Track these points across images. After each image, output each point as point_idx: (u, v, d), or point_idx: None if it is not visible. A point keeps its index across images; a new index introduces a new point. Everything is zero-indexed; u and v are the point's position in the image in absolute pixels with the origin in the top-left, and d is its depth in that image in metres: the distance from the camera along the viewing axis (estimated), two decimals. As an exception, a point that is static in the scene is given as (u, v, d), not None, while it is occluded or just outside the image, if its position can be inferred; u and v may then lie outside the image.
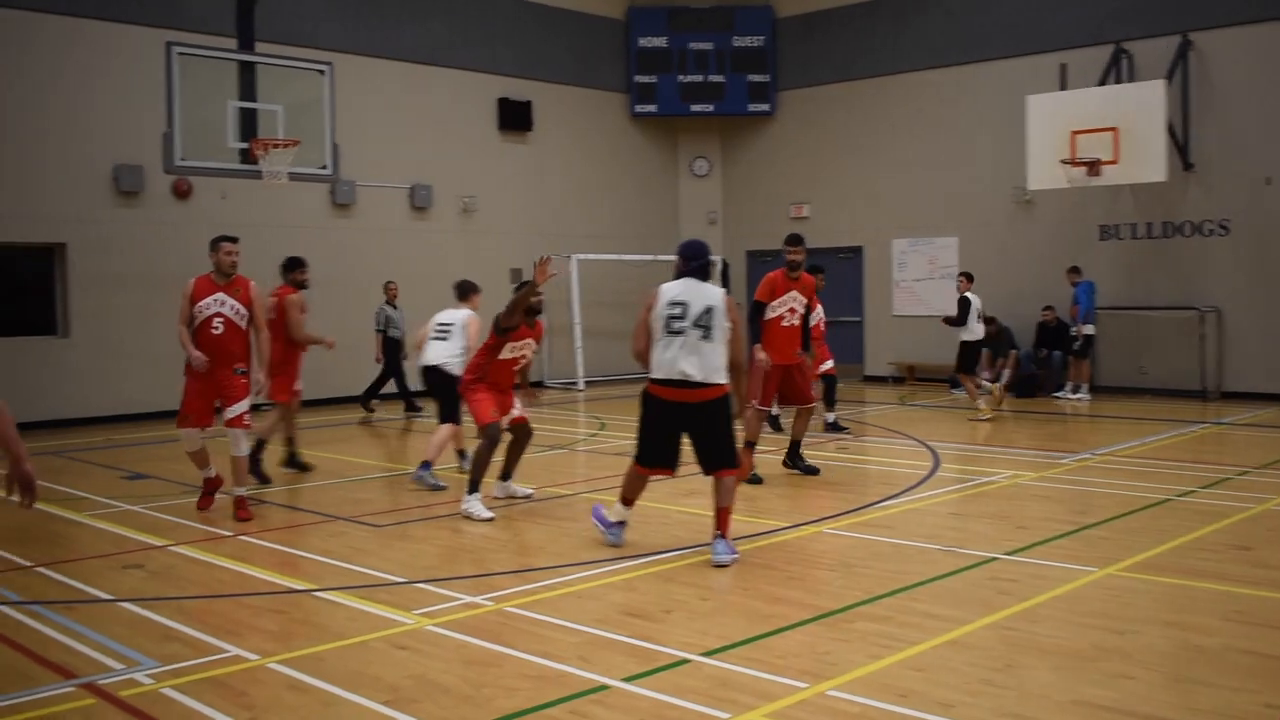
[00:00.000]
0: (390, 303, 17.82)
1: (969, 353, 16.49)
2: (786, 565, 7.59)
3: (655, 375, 7.64)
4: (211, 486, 9.89)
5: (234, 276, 9.69)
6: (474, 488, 9.38)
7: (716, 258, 23.47)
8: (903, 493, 10.32)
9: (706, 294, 7.67)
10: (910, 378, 21.81)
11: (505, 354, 9.58)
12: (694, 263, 7.81)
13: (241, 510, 9.54)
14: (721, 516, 7.69)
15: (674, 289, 7.72)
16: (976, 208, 20.97)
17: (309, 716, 5.02)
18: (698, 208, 24.82)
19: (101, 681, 5.49)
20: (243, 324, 9.68)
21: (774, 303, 11.07)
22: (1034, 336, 19.68)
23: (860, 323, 22.83)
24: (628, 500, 8.07)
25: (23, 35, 16.31)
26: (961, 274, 16.98)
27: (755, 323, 10.94)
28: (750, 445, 10.68)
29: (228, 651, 5.92)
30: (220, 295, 9.59)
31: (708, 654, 5.75)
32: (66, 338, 16.91)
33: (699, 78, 23.82)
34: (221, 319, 9.56)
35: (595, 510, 8.32)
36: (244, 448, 9.75)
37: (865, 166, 22.57)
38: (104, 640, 6.14)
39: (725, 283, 23.32)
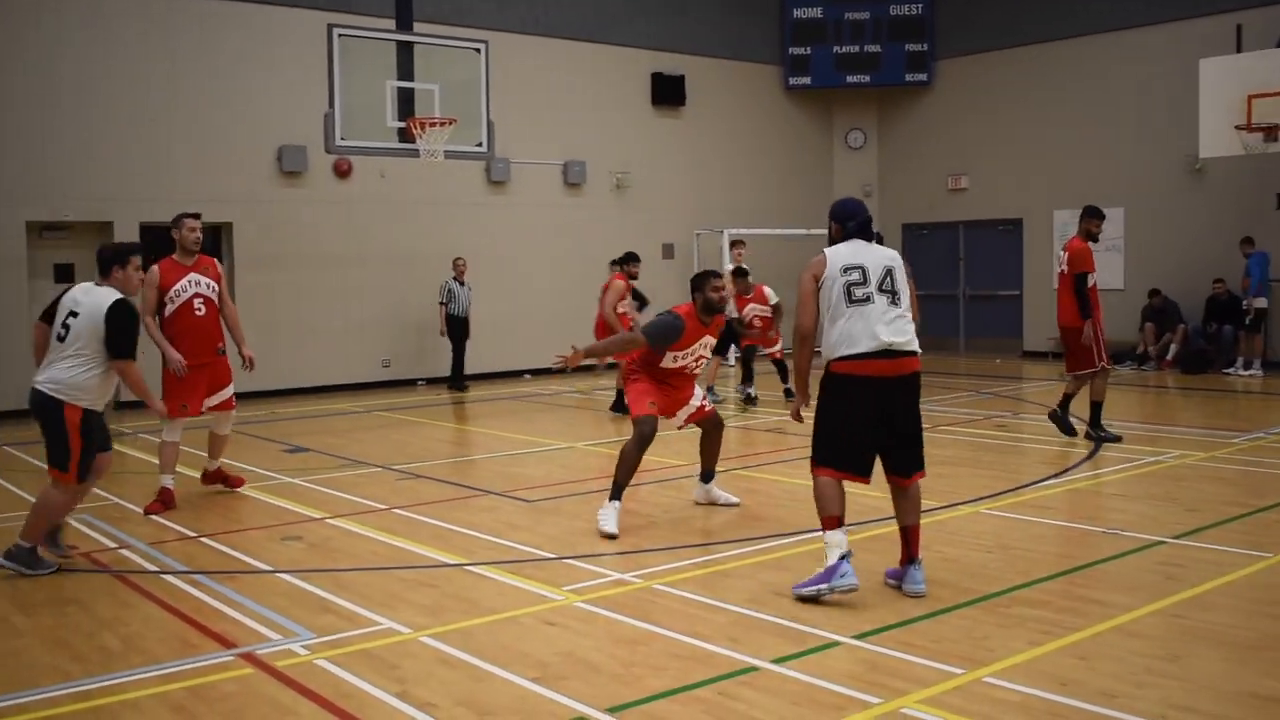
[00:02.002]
0: (458, 279, 17.80)
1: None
2: (942, 546, 7.38)
3: (843, 352, 6.27)
4: (167, 497, 9.26)
5: (198, 255, 9.49)
6: (616, 493, 8.07)
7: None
8: (1063, 472, 9.98)
9: (881, 254, 6.53)
10: (1073, 353, 21.11)
11: (670, 363, 8.29)
12: (852, 222, 6.63)
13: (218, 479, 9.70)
14: (914, 535, 6.48)
15: (843, 252, 6.47)
16: (1144, 177, 20.15)
17: (459, 690, 5.04)
18: (853, 180, 24.39)
19: (260, 651, 5.62)
20: (216, 301, 9.47)
21: None
22: (1203, 310, 18.87)
23: (1020, 296, 22.19)
24: (835, 520, 6.31)
25: (193, 21, 16.84)
26: None
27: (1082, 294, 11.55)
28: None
29: (381, 624, 6.00)
30: (194, 275, 9.34)
31: (860, 636, 5.61)
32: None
33: (855, 48, 23.38)
34: (201, 299, 9.33)
35: (797, 588, 6.35)
36: (228, 428, 9.74)
37: (1026, 136, 21.87)
38: (263, 610, 6.29)
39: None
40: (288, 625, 6.02)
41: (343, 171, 18.04)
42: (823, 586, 6.17)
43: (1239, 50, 18.02)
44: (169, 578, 7.09)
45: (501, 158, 18.85)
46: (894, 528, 6.57)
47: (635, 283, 14.30)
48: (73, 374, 7.10)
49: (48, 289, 16.09)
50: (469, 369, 18.21)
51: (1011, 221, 22.18)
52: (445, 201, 18.76)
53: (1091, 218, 11.86)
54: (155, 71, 16.58)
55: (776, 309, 15.00)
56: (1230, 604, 6.04)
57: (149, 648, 5.76)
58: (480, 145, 15.33)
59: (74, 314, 7.17)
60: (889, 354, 6.25)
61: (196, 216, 9.64)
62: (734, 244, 17.03)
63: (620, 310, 13.87)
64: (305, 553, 7.68)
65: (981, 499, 8.82)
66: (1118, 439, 11.47)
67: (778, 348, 14.88)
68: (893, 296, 6.41)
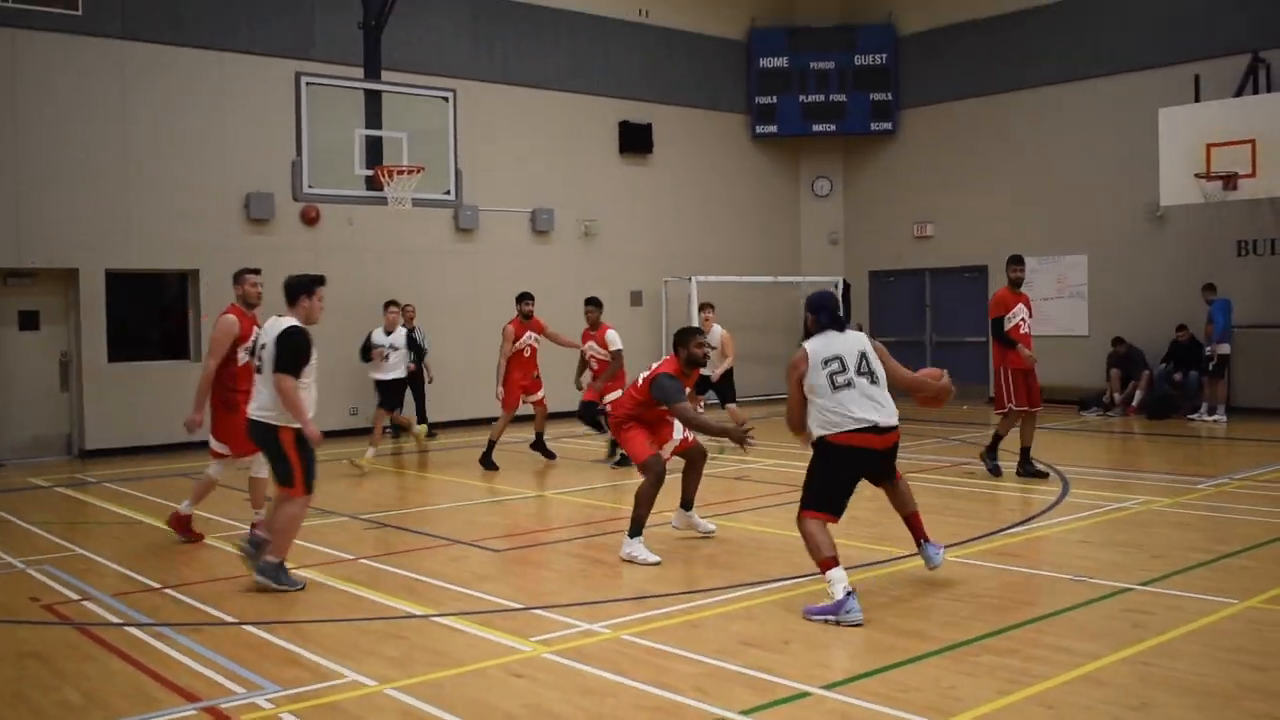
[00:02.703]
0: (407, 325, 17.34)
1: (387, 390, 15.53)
2: (911, 595, 7.40)
3: (841, 428, 7.06)
4: (191, 528, 9.83)
5: (258, 308, 9.85)
6: (637, 530, 8.60)
7: (838, 278, 23.24)
8: (1031, 519, 10.03)
9: (853, 341, 7.40)
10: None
11: (658, 408, 8.85)
12: (824, 314, 7.46)
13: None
14: (916, 521, 7.74)
15: (819, 346, 7.27)
16: (1106, 225, 20.41)
17: (425, 745, 5.00)
18: (820, 228, 24.61)
19: (223, 705, 5.56)
20: None
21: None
22: (1166, 356, 19.06)
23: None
24: (833, 560, 6.91)
25: (160, 68, 16.84)
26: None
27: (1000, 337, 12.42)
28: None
29: (347, 677, 5.95)
30: (256, 329, 9.42)
31: (829, 686, 5.61)
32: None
33: (820, 97, 23.64)
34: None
35: (808, 611, 6.91)
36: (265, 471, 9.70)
37: (990, 184, 22.13)
38: (227, 663, 6.22)
39: (846, 303, 23.05)
40: (252, 678, 5.95)
41: (310, 219, 18.03)
42: (830, 617, 6.72)
43: (1197, 100, 18.34)
44: (132, 630, 7.01)
45: (469, 205, 18.90)
46: (857, 577, 6.57)
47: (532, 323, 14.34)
48: (269, 400, 7.87)
49: (11, 336, 16.00)
50: (434, 415, 18.15)
51: (977, 268, 22.38)
52: (413, 249, 18.79)
53: (1010, 264, 12.75)
54: (122, 117, 16.55)
55: (616, 356, 13.85)
56: (1197, 651, 6.07)
57: (111, 702, 5.69)
58: (448, 193, 15.35)
59: (263, 345, 8.00)
60: (875, 430, 7.18)
61: (257, 272, 10.02)
62: (703, 307, 16.38)
63: (594, 354, 13.96)
64: (270, 603, 7.61)
65: (951, 545, 8.83)
66: (998, 473, 12.37)
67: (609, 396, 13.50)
68: (871, 377, 7.33)
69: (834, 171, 24.68)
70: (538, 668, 6.06)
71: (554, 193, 20.87)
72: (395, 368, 15.56)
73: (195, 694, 5.73)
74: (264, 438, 7.97)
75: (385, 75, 15.71)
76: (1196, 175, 16.95)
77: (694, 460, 9.23)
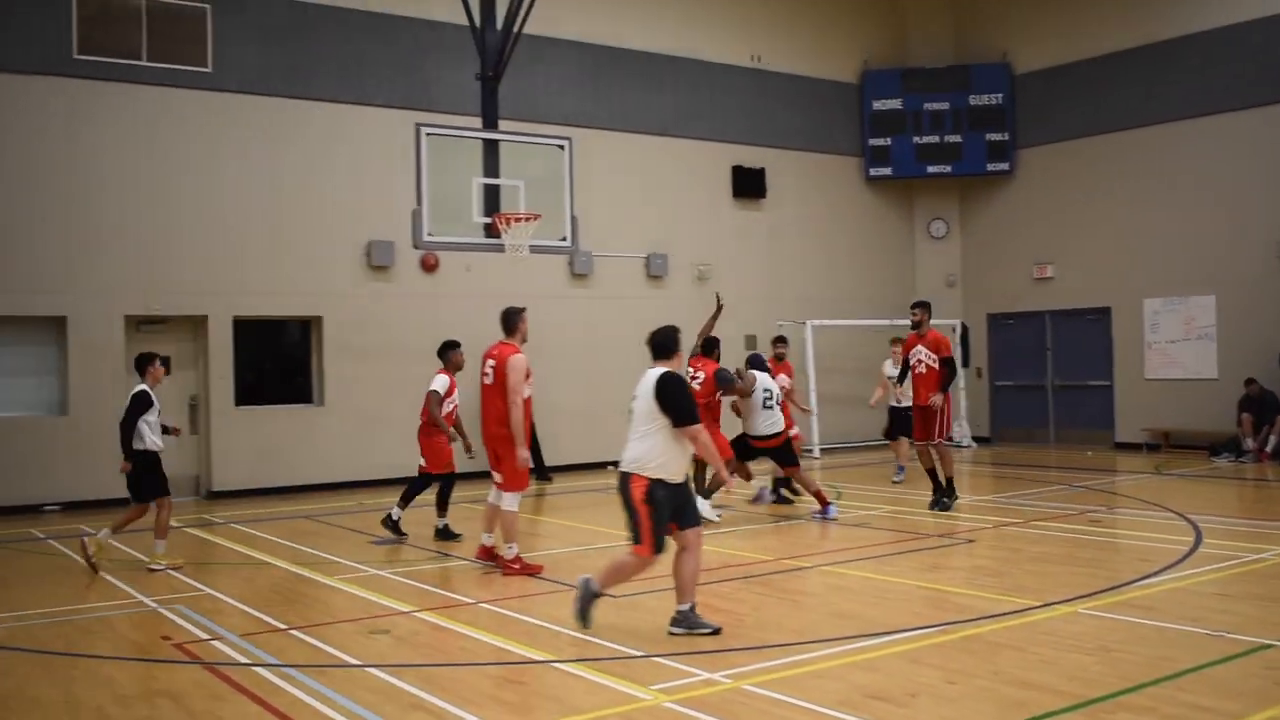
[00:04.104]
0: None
1: None
2: (1038, 648, 7.20)
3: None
4: (519, 562, 10.28)
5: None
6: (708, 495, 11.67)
7: (955, 321, 22.94)
8: (1163, 570, 9.71)
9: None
10: (1166, 445, 20.64)
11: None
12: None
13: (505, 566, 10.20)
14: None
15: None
16: (1235, 263, 19.83)
17: (548, 793, 4.99)
18: (936, 270, 24.33)
19: (350, 748, 5.61)
20: None
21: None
22: (1303, 400, 18.44)
23: (1110, 387, 21.82)
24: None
25: (287, 121, 17.35)
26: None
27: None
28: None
29: (470, 722, 5.98)
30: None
31: (956, 742, 5.48)
32: (321, 405, 17.73)
33: (935, 138, 23.45)
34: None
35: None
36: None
37: (1113, 224, 21.67)
38: (352, 706, 6.29)
39: (965, 346, 22.74)
40: (377, 722, 6.02)
41: (429, 266, 18.35)
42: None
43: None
44: (260, 670, 7.13)
45: (585, 251, 19.06)
46: (984, 628, 6.42)
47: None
48: (634, 452, 7.68)
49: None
50: (549, 460, 18.27)
51: (1099, 310, 21.90)
52: (529, 294, 18.82)
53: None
54: (249, 169, 17.08)
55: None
56: (1345, 711, 5.82)
57: (241, 743, 5.79)
58: (564, 239, 15.50)
59: (635, 398, 7.78)
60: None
61: (524, 310, 10.69)
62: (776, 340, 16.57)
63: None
64: (394, 647, 7.70)
65: (1079, 598, 8.60)
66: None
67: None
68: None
69: (950, 213, 24.41)
70: (658, 716, 6.02)
71: (668, 237, 20.97)
72: None
73: (322, 737, 5.80)
74: (622, 490, 7.75)
75: (502, 124, 15.99)
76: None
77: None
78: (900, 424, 16.34)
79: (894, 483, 16.47)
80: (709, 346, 13.52)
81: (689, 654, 7.27)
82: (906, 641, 7.42)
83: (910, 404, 14.40)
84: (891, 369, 16.85)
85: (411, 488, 12.50)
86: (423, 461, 12.42)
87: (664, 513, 7.57)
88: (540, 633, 8.00)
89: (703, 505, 12.80)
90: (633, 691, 6.46)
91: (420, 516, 12.82)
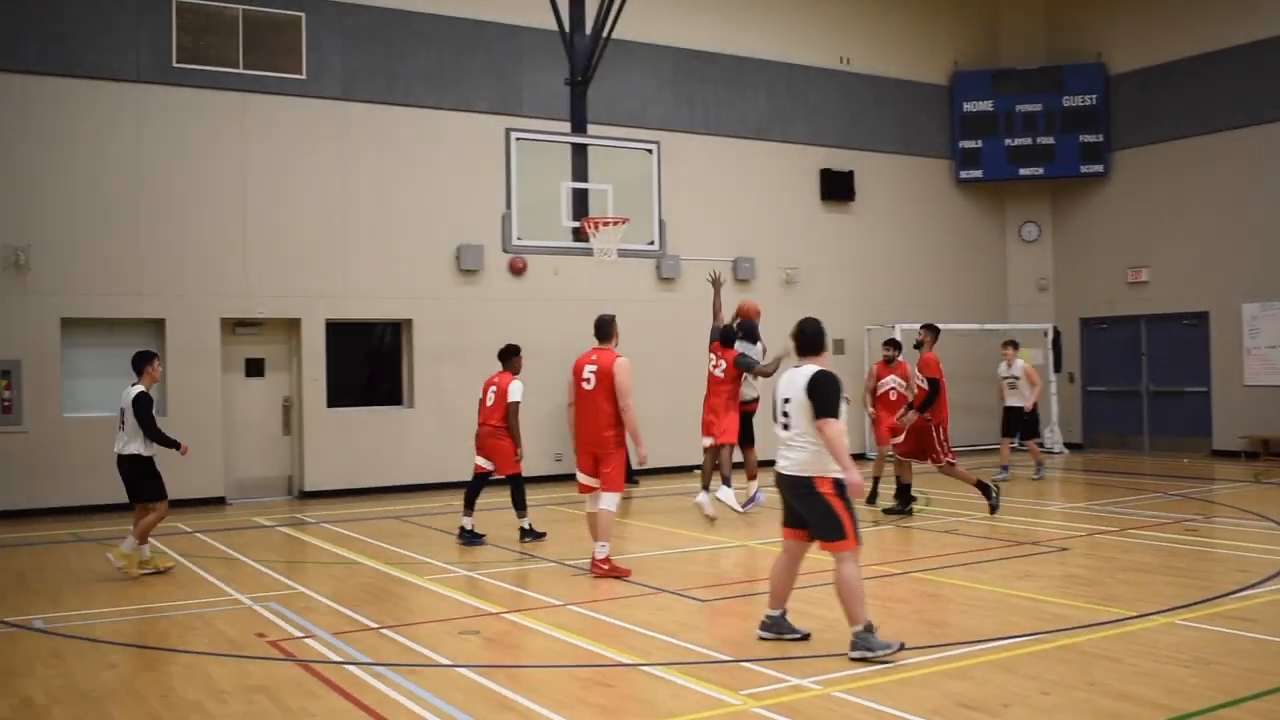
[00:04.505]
0: None
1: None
2: (1134, 659, 7.06)
3: None
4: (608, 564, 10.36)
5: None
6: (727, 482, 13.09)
7: (1047, 325, 22.61)
8: (1263, 581, 9.46)
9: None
10: (1265, 453, 20.11)
11: None
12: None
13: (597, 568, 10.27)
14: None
15: None
16: (1340, 269, 19.29)
17: (638, 796, 5.00)
18: (1027, 274, 23.99)
19: (441, 747, 5.67)
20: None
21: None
22: None
23: (1207, 393, 21.32)
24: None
25: (379, 126, 17.60)
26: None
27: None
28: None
29: (559, 723, 6.01)
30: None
31: (1051, 753, 5.39)
32: (411, 408, 17.94)
33: (1027, 140, 23.11)
34: None
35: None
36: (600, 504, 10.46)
37: (1210, 226, 21.17)
38: (444, 706, 6.35)
39: (1057, 352, 22.41)
40: (468, 722, 6.07)
41: (518, 270, 18.49)
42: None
43: None
44: (352, 669, 7.23)
45: (672, 255, 19.07)
46: (1078, 638, 6.29)
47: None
48: (804, 454, 7.39)
49: (239, 382, 16.85)
50: (635, 463, 18.26)
51: (1196, 315, 21.43)
52: (616, 298, 18.96)
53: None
54: (342, 174, 17.34)
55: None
56: None
57: (335, 740, 5.87)
58: (652, 243, 15.53)
59: (787, 400, 7.51)
60: None
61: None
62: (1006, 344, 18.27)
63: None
64: (483, 647, 7.76)
65: (1175, 609, 8.42)
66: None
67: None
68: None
69: (1042, 216, 24.04)
70: (748, 721, 6.00)
71: (755, 241, 20.91)
72: None
73: (414, 735, 5.86)
74: (801, 494, 7.44)
75: (591, 129, 16.06)
76: None
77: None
78: (1010, 423, 17.68)
79: (994, 481, 16.50)
80: (728, 338, 14.06)
81: (778, 659, 7.23)
82: (999, 650, 7.32)
83: (1013, 404, 17.43)
84: (1005, 370, 17.18)
85: (472, 491, 12.58)
86: (484, 463, 12.47)
87: (852, 504, 7.37)
88: (627, 635, 8.02)
89: (726, 494, 13.62)
90: (721, 696, 6.45)
91: (496, 519, 12.90)
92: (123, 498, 15.52)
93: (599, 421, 10.28)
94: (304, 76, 17.13)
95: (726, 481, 13.67)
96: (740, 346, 14.02)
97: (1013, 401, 17.66)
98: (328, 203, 17.26)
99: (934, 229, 23.19)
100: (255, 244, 16.74)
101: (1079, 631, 7.65)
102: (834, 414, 7.30)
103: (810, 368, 7.52)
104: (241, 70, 16.70)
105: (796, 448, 7.41)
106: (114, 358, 16.16)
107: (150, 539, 10.97)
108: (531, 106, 18.46)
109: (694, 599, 9.26)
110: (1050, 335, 22.53)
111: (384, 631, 8.27)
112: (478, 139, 17.78)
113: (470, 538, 12.24)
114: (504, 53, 18.63)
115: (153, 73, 16.18)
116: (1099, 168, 22.82)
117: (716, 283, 15.07)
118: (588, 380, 10.39)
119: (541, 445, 18.18)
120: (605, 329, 10.64)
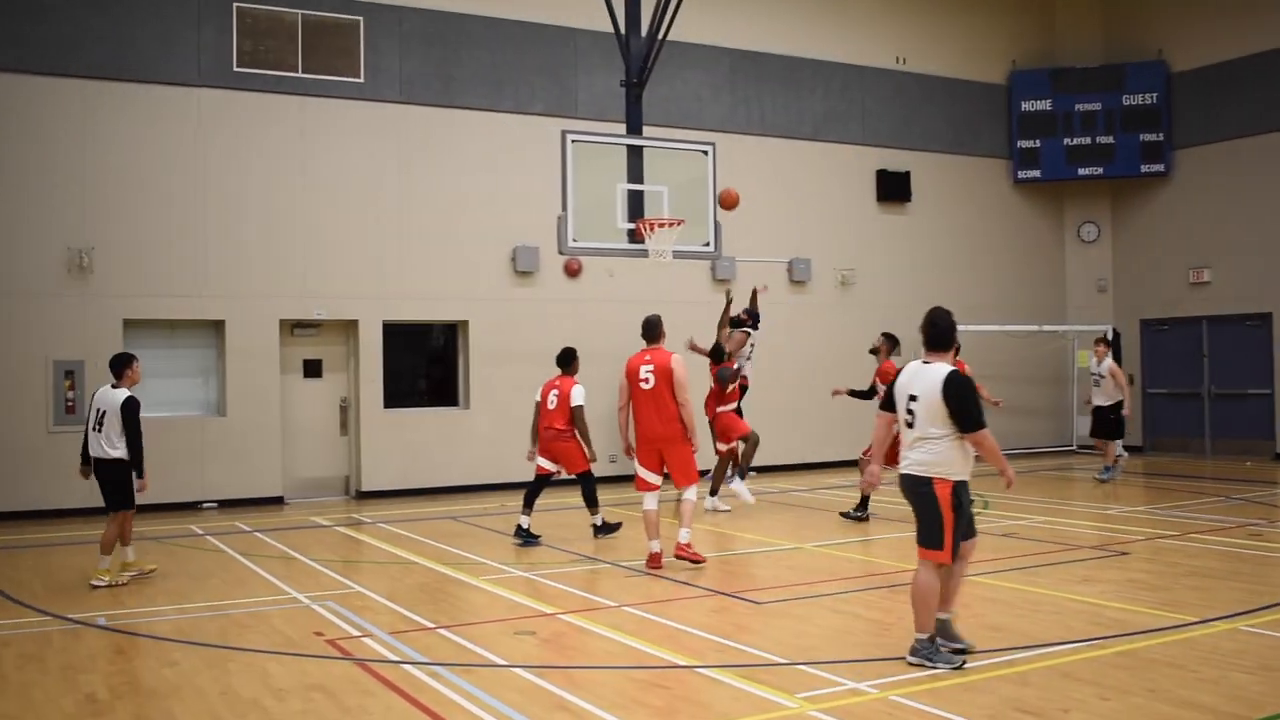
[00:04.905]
0: None
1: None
2: (1198, 665, 6.95)
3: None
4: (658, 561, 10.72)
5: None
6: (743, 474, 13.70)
7: (1106, 327, 22.34)
8: (1332, 588, 9.30)
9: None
10: (1333, 457, 19.76)
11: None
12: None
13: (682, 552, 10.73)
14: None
15: None
16: None
17: (694, 798, 4.98)
18: (1086, 275, 23.71)
19: (498, 747, 5.68)
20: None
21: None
22: None
23: (1270, 396, 20.97)
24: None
25: (437, 129, 17.71)
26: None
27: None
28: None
29: (614, 724, 6.01)
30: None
31: (1113, 760, 5.32)
32: (466, 408, 18.03)
33: (1086, 140, 22.84)
34: None
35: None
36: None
37: (1274, 226, 20.78)
38: (499, 705, 6.37)
39: (1117, 353, 22.13)
40: (524, 722, 6.09)
41: (573, 271, 18.54)
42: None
43: None
44: (409, 668, 7.27)
45: (727, 257, 19.02)
46: (1139, 644, 6.20)
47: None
48: (929, 455, 7.10)
49: (297, 382, 17.01)
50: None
51: (1259, 316, 21.08)
52: (671, 300, 18.95)
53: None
54: (399, 176, 17.47)
55: None
56: None
57: (392, 739, 5.90)
58: (707, 244, 15.47)
59: (913, 397, 7.21)
60: None
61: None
62: (1097, 341, 18.13)
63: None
64: (539, 648, 7.78)
65: (1238, 614, 8.29)
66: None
67: None
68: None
69: (1101, 216, 23.75)
70: (804, 725, 5.97)
71: (811, 242, 20.82)
72: None
73: (470, 735, 5.88)
74: (917, 492, 7.18)
75: (646, 130, 16.04)
76: None
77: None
78: (1100, 424, 17.43)
79: (1098, 480, 17.21)
80: (717, 354, 15.06)
81: (835, 663, 7.19)
82: (1059, 655, 7.23)
83: (1099, 404, 17.23)
84: (1094, 366, 17.34)
85: (533, 492, 12.65)
86: (548, 465, 12.52)
87: (964, 517, 7.16)
88: (682, 636, 8.01)
89: (738, 486, 14.16)
90: (778, 699, 6.42)
91: (552, 520, 12.93)
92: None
93: (663, 417, 10.64)
94: (362, 80, 17.27)
95: (742, 475, 14.39)
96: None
97: (1098, 400, 17.41)
98: (385, 205, 17.39)
99: (991, 230, 22.98)
100: (313, 246, 16.90)
101: (1140, 637, 7.55)
102: (982, 423, 7.06)
103: (942, 368, 7.17)
104: (301, 74, 16.87)
105: (920, 449, 7.15)
106: (175, 359, 16.45)
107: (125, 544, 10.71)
108: (587, 108, 18.51)
109: (749, 601, 9.23)
110: (1110, 336, 22.26)
111: (440, 631, 8.31)
112: (533, 141, 17.84)
113: (526, 537, 12.28)
114: (559, 55, 18.69)
115: (214, 77, 16.38)
116: (1160, 167, 22.52)
117: (729, 300, 16.16)
118: (645, 380, 10.70)
119: (597, 447, 18.17)
120: (655, 329, 11.01)
